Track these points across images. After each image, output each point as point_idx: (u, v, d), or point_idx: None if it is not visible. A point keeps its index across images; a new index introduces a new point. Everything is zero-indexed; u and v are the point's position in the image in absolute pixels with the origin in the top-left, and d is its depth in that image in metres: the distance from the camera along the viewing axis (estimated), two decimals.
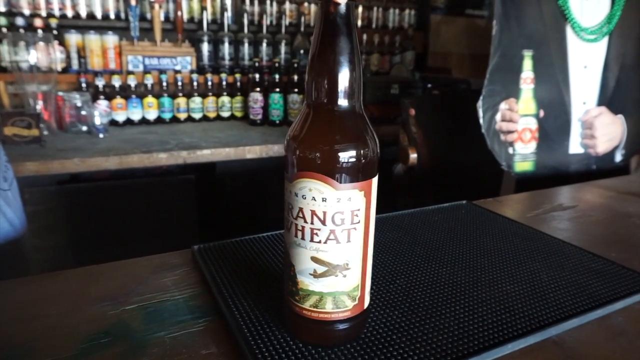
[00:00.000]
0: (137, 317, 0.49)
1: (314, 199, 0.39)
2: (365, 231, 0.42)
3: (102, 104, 1.84)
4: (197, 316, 0.50)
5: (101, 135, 1.72)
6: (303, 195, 0.40)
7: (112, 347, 0.44)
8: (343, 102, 0.40)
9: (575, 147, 1.40)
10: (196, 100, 2.05)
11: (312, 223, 0.40)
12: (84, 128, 1.77)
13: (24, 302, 0.52)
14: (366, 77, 2.34)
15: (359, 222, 0.40)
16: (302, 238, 0.41)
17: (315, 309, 0.42)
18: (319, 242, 0.40)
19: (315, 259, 0.41)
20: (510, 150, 1.33)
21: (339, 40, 0.39)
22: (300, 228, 0.41)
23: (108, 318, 0.49)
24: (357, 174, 0.40)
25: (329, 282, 0.41)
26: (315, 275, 0.41)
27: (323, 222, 0.39)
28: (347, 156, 0.39)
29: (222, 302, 0.51)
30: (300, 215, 0.40)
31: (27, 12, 1.89)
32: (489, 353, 0.44)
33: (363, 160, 0.40)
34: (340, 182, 0.39)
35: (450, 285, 0.56)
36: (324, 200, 0.39)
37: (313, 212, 0.40)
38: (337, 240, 0.40)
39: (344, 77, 0.39)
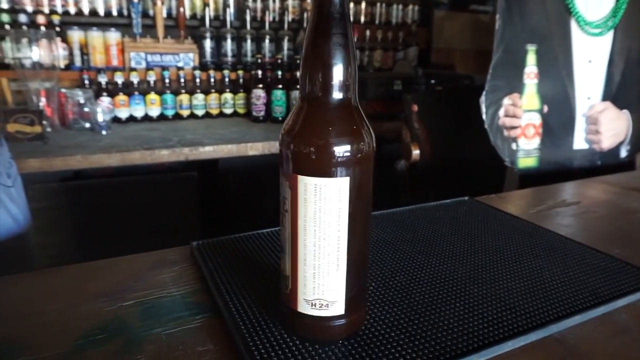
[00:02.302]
0: (133, 313, 0.49)
1: None
2: (293, 227, 0.41)
3: (105, 100, 1.84)
4: (194, 313, 0.49)
5: (104, 132, 1.72)
6: None
7: (108, 343, 0.44)
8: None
9: (579, 142, 1.39)
10: (199, 97, 2.04)
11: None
12: (87, 125, 1.77)
13: (22, 298, 0.52)
14: (369, 73, 2.32)
15: (287, 211, 0.41)
16: None
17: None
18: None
19: None
20: (514, 146, 1.32)
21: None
22: None
23: (105, 314, 0.48)
24: (283, 163, 0.41)
25: (280, 256, 0.45)
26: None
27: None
28: (281, 142, 0.42)
29: (219, 298, 0.50)
30: None
31: (29, 9, 1.89)
32: (489, 350, 0.44)
33: (284, 153, 0.41)
34: (280, 166, 0.42)
35: (451, 282, 0.56)
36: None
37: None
38: (279, 218, 0.43)
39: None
